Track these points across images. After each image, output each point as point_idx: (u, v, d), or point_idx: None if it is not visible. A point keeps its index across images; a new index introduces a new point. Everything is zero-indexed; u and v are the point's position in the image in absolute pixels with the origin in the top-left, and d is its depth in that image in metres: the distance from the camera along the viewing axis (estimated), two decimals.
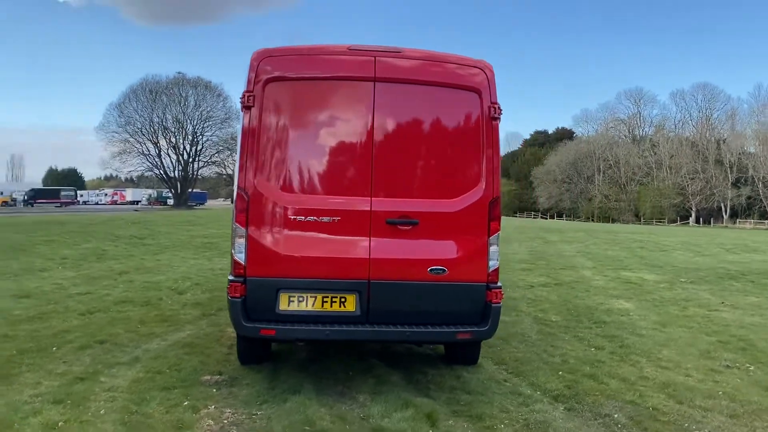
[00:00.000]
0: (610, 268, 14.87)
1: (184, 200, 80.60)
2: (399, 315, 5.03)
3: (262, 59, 5.09)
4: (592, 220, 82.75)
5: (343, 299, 4.97)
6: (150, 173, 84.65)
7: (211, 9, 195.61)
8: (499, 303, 5.10)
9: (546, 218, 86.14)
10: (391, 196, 5.07)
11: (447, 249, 5.09)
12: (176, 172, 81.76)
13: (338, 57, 5.16)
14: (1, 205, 76.98)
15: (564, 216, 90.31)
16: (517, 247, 21.42)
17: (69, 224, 22.96)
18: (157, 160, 79.35)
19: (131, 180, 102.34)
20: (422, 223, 5.04)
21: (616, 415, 4.82)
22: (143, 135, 77.00)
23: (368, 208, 5.00)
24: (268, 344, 5.91)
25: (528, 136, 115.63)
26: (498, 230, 5.16)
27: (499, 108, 5.18)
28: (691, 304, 10.03)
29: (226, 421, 4.51)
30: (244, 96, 5.01)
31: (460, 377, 5.65)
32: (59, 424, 4.31)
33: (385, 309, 5.00)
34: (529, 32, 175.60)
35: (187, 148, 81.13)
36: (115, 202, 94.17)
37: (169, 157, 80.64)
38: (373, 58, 5.10)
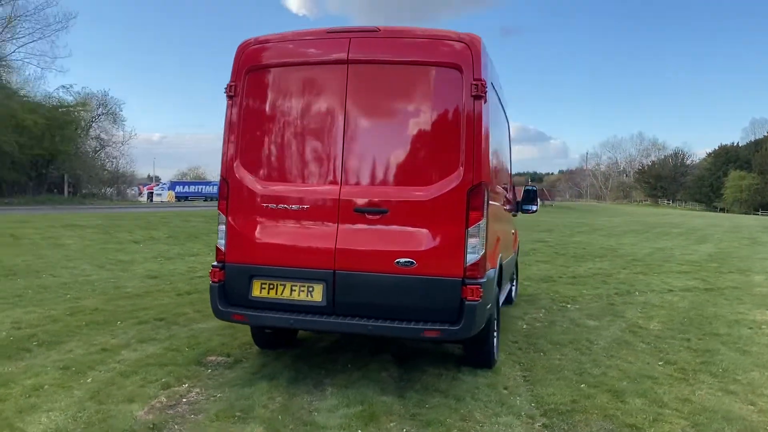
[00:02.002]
0: None
1: None
2: (365, 308, 4.76)
3: (245, 49, 5.18)
4: None
5: (310, 289, 4.86)
6: None
7: (423, 13, 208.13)
8: (477, 300, 4.57)
9: None
10: (361, 184, 4.84)
11: (417, 240, 4.70)
12: None
13: (315, 41, 5.06)
14: None
15: None
16: (706, 247, 18.96)
17: None
18: None
19: None
20: (392, 212, 4.73)
21: None
22: None
23: (336, 197, 4.83)
24: (277, 330, 5.95)
25: None
26: (479, 220, 4.64)
27: (483, 85, 4.65)
28: None
29: (183, 400, 4.65)
30: (227, 87, 5.15)
31: (456, 379, 5.19)
32: (45, 387, 4.80)
33: (350, 301, 4.78)
34: None
35: None
36: None
37: None
38: (347, 40, 4.91)
